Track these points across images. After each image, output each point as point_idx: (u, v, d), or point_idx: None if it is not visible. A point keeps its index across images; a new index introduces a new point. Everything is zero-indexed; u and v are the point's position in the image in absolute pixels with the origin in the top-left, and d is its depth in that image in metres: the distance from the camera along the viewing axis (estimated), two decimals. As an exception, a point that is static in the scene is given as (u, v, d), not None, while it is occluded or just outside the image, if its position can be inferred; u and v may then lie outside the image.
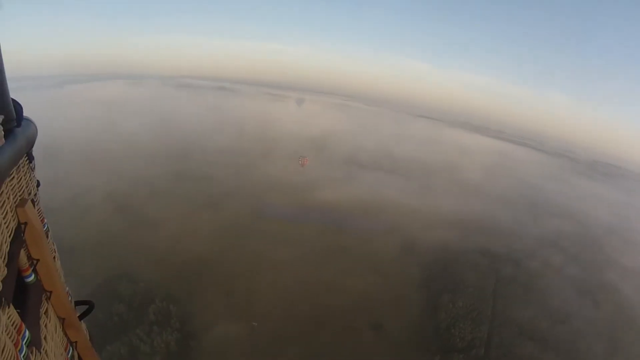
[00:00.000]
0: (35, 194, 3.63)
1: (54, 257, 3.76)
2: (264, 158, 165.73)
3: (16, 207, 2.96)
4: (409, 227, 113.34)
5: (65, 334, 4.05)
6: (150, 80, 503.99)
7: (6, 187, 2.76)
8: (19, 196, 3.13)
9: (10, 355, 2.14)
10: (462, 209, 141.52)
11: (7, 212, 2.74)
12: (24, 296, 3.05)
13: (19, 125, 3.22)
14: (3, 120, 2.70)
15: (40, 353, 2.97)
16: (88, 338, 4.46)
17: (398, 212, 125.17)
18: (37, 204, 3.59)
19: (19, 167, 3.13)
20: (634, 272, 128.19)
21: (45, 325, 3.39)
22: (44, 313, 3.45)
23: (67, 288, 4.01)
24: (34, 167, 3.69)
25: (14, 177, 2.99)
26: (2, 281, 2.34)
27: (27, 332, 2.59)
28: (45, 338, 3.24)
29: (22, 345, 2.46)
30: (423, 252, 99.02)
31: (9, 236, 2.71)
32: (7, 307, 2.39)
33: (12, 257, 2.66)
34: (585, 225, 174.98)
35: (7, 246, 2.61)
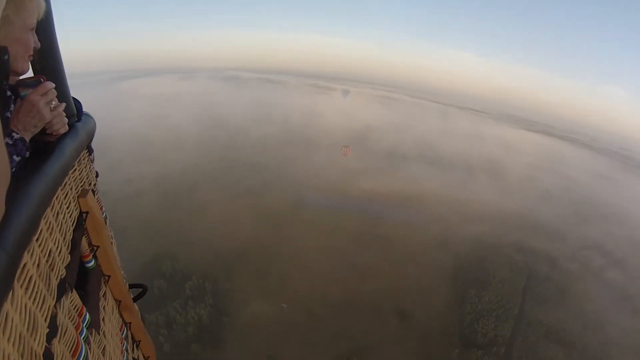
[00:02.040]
0: (94, 184, 3.78)
1: (112, 243, 3.89)
2: (307, 148, 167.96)
3: (78, 197, 3.09)
4: (447, 220, 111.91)
5: (121, 316, 4.26)
6: (199, 73, 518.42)
7: (69, 179, 2.88)
8: (81, 187, 3.24)
9: (71, 337, 2.27)
10: (502, 204, 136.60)
11: (70, 203, 2.86)
12: (85, 281, 3.18)
13: (79, 120, 3.37)
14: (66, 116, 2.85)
15: (100, 334, 3.10)
16: (141, 319, 4.67)
17: (438, 204, 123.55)
18: (96, 194, 3.74)
19: (80, 159, 3.26)
20: None
21: (104, 308, 3.55)
22: (102, 296, 3.61)
23: (122, 272, 4.17)
24: (94, 159, 3.85)
25: (76, 169, 3.12)
26: (66, 267, 2.42)
27: (87, 315, 2.72)
28: (103, 320, 3.38)
29: (82, 327, 2.57)
30: (458, 245, 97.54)
31: (72, 225, 2.82)
32: (71, 292, 2.50)
33: (75, 244, 2.79)
34: (634, 228, 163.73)
35: (70, 234, 2.72)
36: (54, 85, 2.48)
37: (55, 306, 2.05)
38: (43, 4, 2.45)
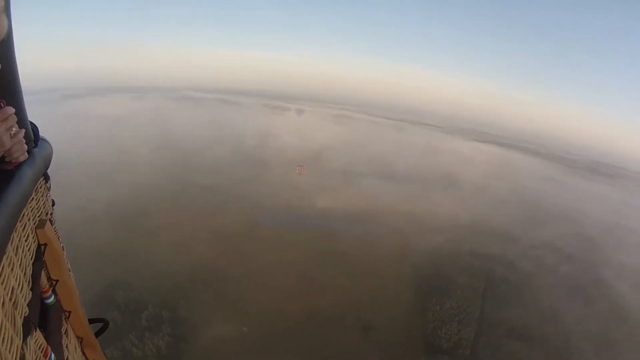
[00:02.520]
0: (51, 214, 3.68)
1: (70, 276, 3.72)
2: (262, 168, 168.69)
3: (36, 228, 2.93)
4: (404, 232, 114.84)
5: (84, 354, 4.04)
6: (152, 93, 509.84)
7: (27, 210, 2.71)
8: (38, 217, 3.13)
9: None
10: (457, 213, 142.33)
11: (28, 235, 2.71)
12: (46, 318, 2.98)
13: (36, 145, 3.28)
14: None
15: None
16: (104, 357, 4.44)
17: (394, 217, 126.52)
18: (53, 224, 3.59)
19: (37, 188, 3.12)
20: (630, 269, 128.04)
21: (67, 346, 3.36)
22: (64, 333, 3.40)
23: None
24: (50, 187, 3.74)
25: (33, 199, 2.96)
26: (28, 305, 2.27)
27: (52, 355, 2.53)
28: (67, 359, 3.22)
29: None
30: (416, 256, 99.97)
31: (31, 258, 2.66)
32: (35, 330, 2.33)
33: (34, 279, 2.62)
34: (581, 225, 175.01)
35: (30, 269, 2.55)
36: (14, 110, 2.37)
37: (22, 347, 1.92)
38: (5, 25, 2.36)
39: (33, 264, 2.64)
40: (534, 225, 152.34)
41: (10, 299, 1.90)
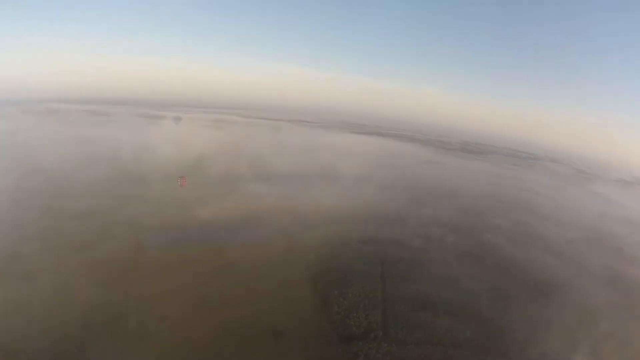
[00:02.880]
0: None
1: None
2: (142, 185, 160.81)
3: None
4: (292, 231, 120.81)
5: None
6: (8, 108, 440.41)
7: None
8: None
9: None
10: (344, 204, 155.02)
11: None
12: None
13: None
14: None
15: None
16: None
17: (280, 218, 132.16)
18: None
19: None
20: (505, 229, 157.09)
21: None
22: None
23: None
24: None
25: None
26: None
27: None
28: None
29: None
30: (309, 253, 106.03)
31: None
32: None
33: None
34: (461, 198, 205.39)
35: None
36: None
37: None
38: None
39: None
40: (419, 205, 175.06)
41: None
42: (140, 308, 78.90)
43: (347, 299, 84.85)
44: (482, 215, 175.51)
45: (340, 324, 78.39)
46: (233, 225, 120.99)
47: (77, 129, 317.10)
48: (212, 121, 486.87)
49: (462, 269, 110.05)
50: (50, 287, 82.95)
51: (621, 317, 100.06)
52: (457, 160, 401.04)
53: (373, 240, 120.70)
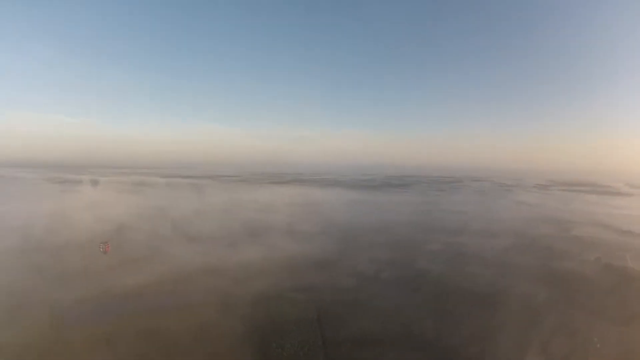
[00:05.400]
0: None
1: None
2: (60, 256, 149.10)
3: None
4: (223, 289, 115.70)
5: None
6: None
7: None
8: None
9: None
10: (271, 256, 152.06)
11: None
12: None
13: None
14: None
15: None
16: None
17: (210, 277, 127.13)
18: None
19: None
20: (438, 253, 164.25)
21: None
22: None
23: None
24: None
25: None
26: None
27: None
28: None
29: None
30: (241, 309, 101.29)
31: None
32: None
33: None
34: (391, 231, 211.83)
35: None
36: None
37: None
38: None
39: None
40: (349, 246, 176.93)
41: None
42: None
43: (286, 350, 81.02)
44: (414, 245, 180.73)
45: (282, 378, 74.87)
46: (162, 290, 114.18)
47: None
48: (131, 184, 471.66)
49: (402, 299, 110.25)
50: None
51: (563, 309, 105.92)
52: (383, 196, 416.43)
53: (306, 287, 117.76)
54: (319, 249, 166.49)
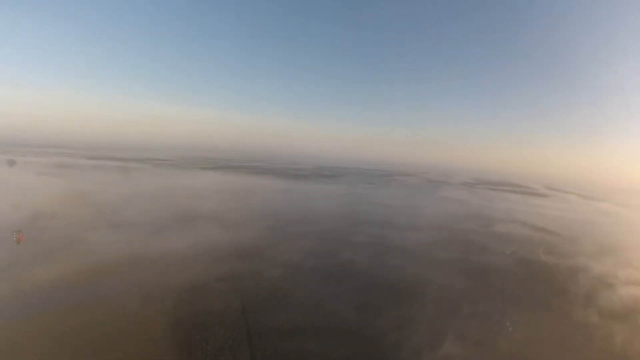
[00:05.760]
0: None
1: None
2: None
3: None
4: (148, 279, 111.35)
5: None
6: None
7: None
8: None
9: None
10: (199, 245, 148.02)
11: None
12: None
13: None
14: None
15: None
16: None
17: (135, 267, 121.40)
18: None
19: None
20: (365, 244, 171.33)
21: None
22: None
23: None
24: None
25: None
26: None
27: None
28: None
29: None
30: (165, 299, 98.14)
31: None
32: None
33: None
34: (318, 221, 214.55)
35: None
36: None
37: None
38: None
39: None
40: (275, 235, 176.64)
41: None
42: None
43: (210, 343, 79.55)
44: (340, 236, 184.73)
45: (208, 369, 73.49)
46: (81, 283, 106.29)
47: None
48: (53, 165, 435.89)
49: (326, 290, 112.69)
50: None
51: (479, 298, 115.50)
52: (312, 186, 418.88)
53: (231, 276, 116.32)
54: (245, 238, 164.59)
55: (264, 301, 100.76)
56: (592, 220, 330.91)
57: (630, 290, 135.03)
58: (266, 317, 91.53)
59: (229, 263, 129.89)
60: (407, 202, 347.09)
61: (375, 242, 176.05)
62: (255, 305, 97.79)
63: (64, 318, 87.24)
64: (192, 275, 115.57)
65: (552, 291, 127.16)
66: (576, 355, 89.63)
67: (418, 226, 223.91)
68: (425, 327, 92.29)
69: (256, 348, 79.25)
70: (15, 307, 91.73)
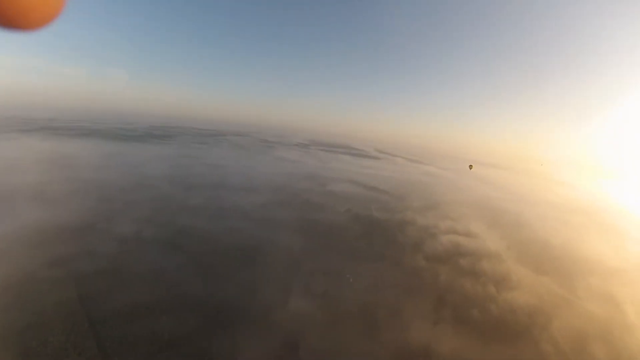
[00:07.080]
0: None
1: None
2: None
3: None
4: None
5: None
6: None
7: None
8: None
9: None
10: (16, 228, 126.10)
11: None
12: None
13: None
14: None
15: None
16: None
17: None
18: None
19: None
20: (200, 207, 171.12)
21: None
22: None
23: None
24: None
25: None
26: None
27: None
28: None
29: None
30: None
31: None
32: None
33: None
34: (148, 185, 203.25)
35: None
36: None
37: None
38: None
39: None
40: (106, 206, 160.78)
41: None
42: None
43: (49, 345, 71.56)
44: (175, 200, 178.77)
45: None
46: None
47: None
48: None
49: (168, 261, 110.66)
50: None
51: (320, 255, 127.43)
52: (143, 148, 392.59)
53: (62, 260, 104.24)
54: (73, 213, 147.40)
55: (102, 282, 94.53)
56: (417, 180, 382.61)
57: (449, 237, 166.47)
58: (108, 301, 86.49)
59: (57, 245, 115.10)
60: (243, 162, 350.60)
61: (211, 205, 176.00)
62: (94, 289, 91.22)
63: None
64: (15, 267, 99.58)
65: (385, 243, 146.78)
66: (410, 294, 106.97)
67: (254, 187, 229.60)
68: (272, 287, 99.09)
69: (103, 338, 74.84)
70: None
